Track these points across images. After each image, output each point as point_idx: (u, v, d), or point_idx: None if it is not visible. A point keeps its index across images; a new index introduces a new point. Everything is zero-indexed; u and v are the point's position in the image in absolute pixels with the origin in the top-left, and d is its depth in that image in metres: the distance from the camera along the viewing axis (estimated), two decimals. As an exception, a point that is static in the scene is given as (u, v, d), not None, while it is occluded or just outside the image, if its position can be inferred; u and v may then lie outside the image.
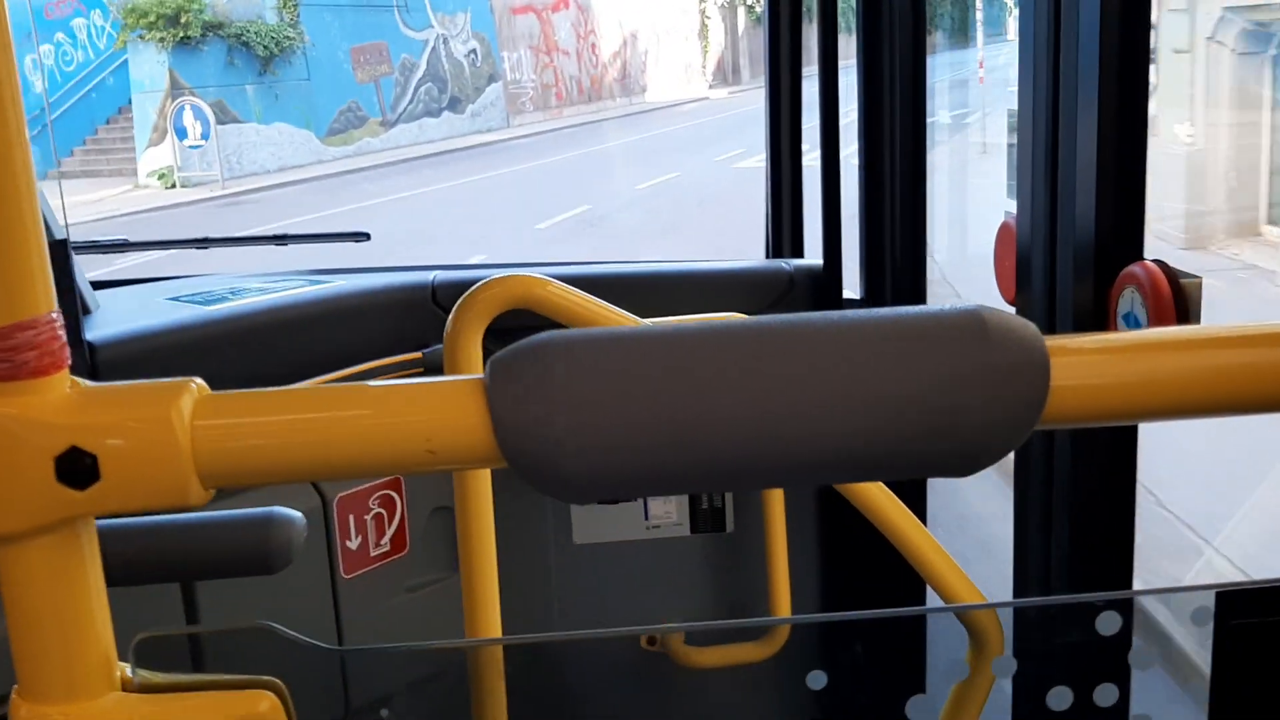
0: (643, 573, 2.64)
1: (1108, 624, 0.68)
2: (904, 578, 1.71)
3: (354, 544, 2.35)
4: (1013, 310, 1.72)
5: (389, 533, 2.40)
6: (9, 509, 0.57)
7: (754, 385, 0.57)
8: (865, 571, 2.61)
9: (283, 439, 0.59)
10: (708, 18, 35.66)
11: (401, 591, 2.44)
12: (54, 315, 0.58)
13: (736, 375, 0.57)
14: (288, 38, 22.24)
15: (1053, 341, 0.59)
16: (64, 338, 0.59)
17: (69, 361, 0.59)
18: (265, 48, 21.60)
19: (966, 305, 0.59)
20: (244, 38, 21.03)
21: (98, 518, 0.60)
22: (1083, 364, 0.60)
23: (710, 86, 34.88)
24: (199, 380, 0.60)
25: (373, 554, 2.38)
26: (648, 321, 1.89)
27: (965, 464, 0.58)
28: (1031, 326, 0.59)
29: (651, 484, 0.59)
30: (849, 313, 0.59)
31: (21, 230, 0.56)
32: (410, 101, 25.29)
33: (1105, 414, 0.61)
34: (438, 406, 0.59)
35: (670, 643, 2.65)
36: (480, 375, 0.59)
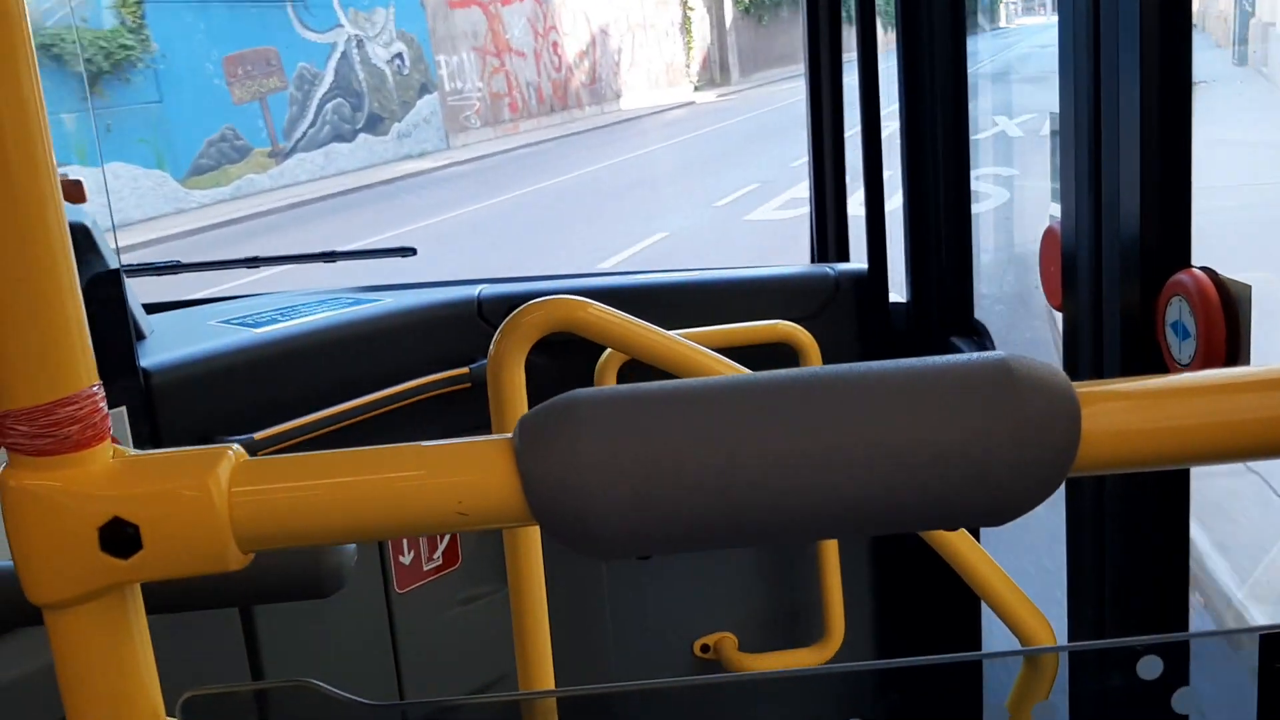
0: (692, 581, 2.64)
1: (1149, 669, 0.68)
2: (959, 589, 1.70)
3: (407, 559, 2.37)
4: (1059, 317, 1.70)
5: (441, 547, 2.43)
6: (56, 579, 0.59)
7: (781, 441, 0.57)
8: (919, 580, 2.59)
9: (316, 503, 0.60)
10: (690, 9, 32.32)
11: (454, 605, 2.46)
12: (94, 389, 0.59)
13: (763, 431, 0.57)
14: (124, 47, 16.25)
15: (1082, 388, 0.59)
16: (104, 409, 0.60)
17: (110, 432, 0.60)
18: (90, 62, 15.59)
19: (994, 355, 0.59)
20: (55, 50, 13.22)
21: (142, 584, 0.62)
22: (1114, 411, 0.59)
23: (696, 89, 31.75)
24: (236, 446, 0.61)
25: (425, 569, 2.41)
26: (687, 332, 1.89)
27: (997, 515, 0.58)
28: (1061, 374, 0.59)
29: (682, 541, 0.59)
30: (875, 365, 0.59)
31: (60, 307, 0.58)
32: (313, 124, 19.58)
33: (1138, 461, 0.60)
34: (468, 468, 0.59)
35: (724, 649, 2.65)
36: (509, 435, 0.59)
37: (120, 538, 0.58)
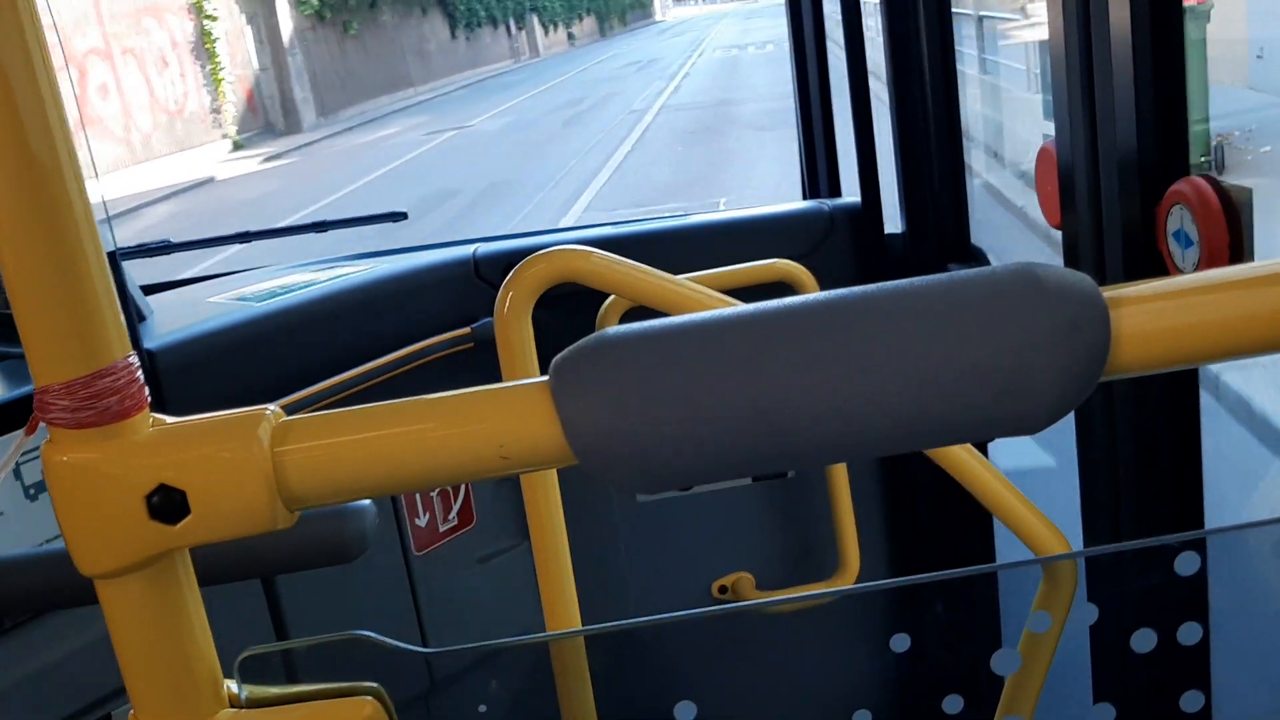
0: (708, 524, 2.66)
1: (1186, 565, 0.69)
2: (970, 509, 1.71)
3: (422, 521, 2.39)
4: (1059, 234, 1.70)
5: (455, 507, 2.44)
6: (107, 549, 0.59)
7: (815, 362, 0.57)
8: (930, 504, 2.61)
9: (360, 457, 0.60)
10: (211, 17, 20.34)
11: (473, 563, 2.48)
12: (130, 358, 0.60)
13: (795, 355, 0.57)
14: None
15: (1110, 292, 0.59)
16: (141, 379, 0.60)
17: (149, 400, 0.61)
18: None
19: (1021, 264, 0.59)
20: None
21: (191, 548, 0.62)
22: (1142, 312, 0.60)
23: (236, 145, 20.50)
24: (274, 407, 0.61)
25: (441, 529, 2.42)
26: (688, 277, 1.89)
27: (1031, 423, 0.59)
28: (1087, 279, 0.59)
29: (721, 469, 0.60)
30: (903, 282, 0.60)
31: (91, 281, 0.58)
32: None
33: (1168, 360, 0.61)
34: (507, 413, 0.60)
35: (741, 589, 2.68)
36: (544, 379, 0.60)
37: (168, 504, 0.58)
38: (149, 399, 0.61)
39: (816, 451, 0.60)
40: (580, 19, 56.98)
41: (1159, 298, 0.61)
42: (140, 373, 0.60)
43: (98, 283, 0.59)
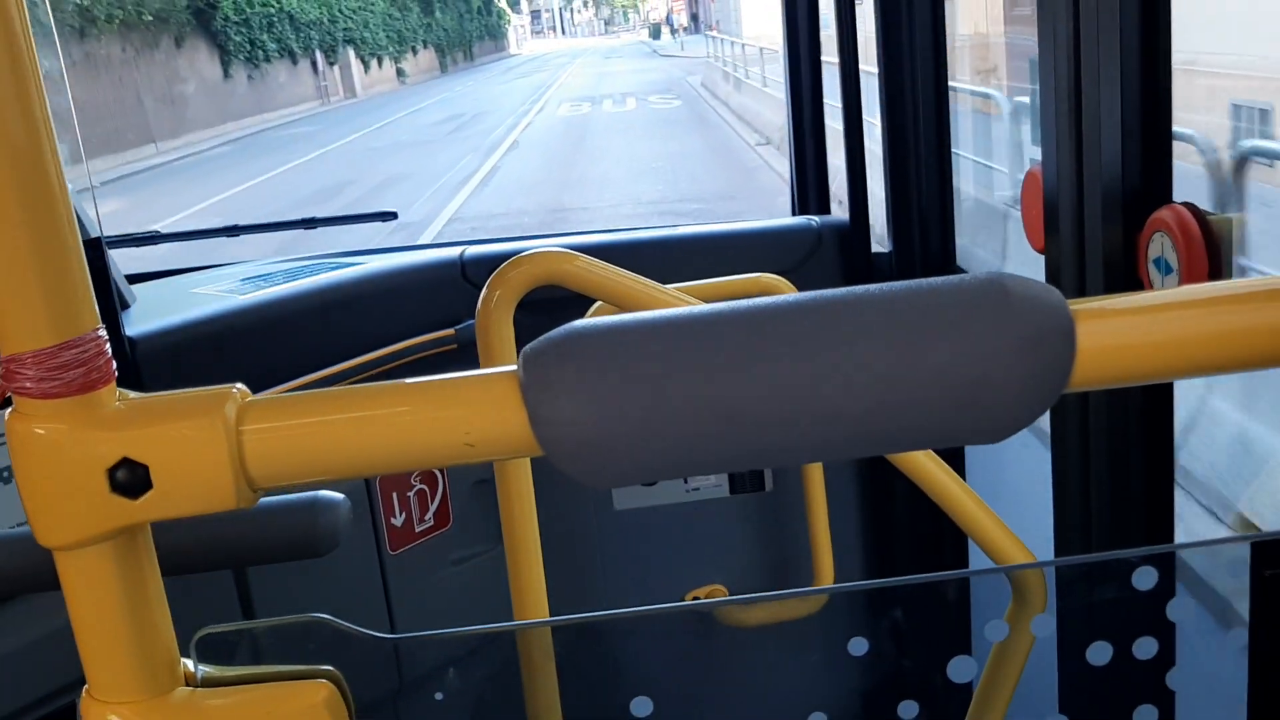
0: (684, 535, 2.66)
1: (1144, 579, 0.69)
2: (944, 528, 1.72)
3: (398, 521, 2.38)
4: (1042, 259, 1.71)
5: (432, 508, 2.44)
6: (67, 521, 0.59)
7: (780, 364, 0.57)
8: (905, 522, 2.62)
9: (325, 439, 0.60)
10: None
11: (447, 565, 2.48)
12: (99, 331, 0.60)
13: (762, 355, 0.58)
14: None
15: (1077, 305, 0.60)
16: (109, 352, 0.60)
17: (115, 374, 0.60)
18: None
19: (989, 274, 0.59)
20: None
21: (152, 523, 0.62)
22: (1108, 326, 0.60)
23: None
24: (241, 385, 0.61)
25: (417, 530, 2.42)
26: (672, 288, 1.90)
27: (995, 432, 0.59)
28: (1055, 291, 0.59)
29: (686, 465, 0.60)
30: (871, 287, 0.60)
31: (62, 250, 0.58)
32: None
33: (1132, 375, 0.61)
34: (473, 400, 0.60)
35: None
36: (513, 367, 0.60)
37: (130, 478, 0.58)
38: (116, 373, 0.61)
39: (780, 451, 0.60)
40: (414, 52, 48.42)
41: (1125, 313, 0.61)
42: (109, 346, 0.60)
43: (70, 254, 0.58)
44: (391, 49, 44.47)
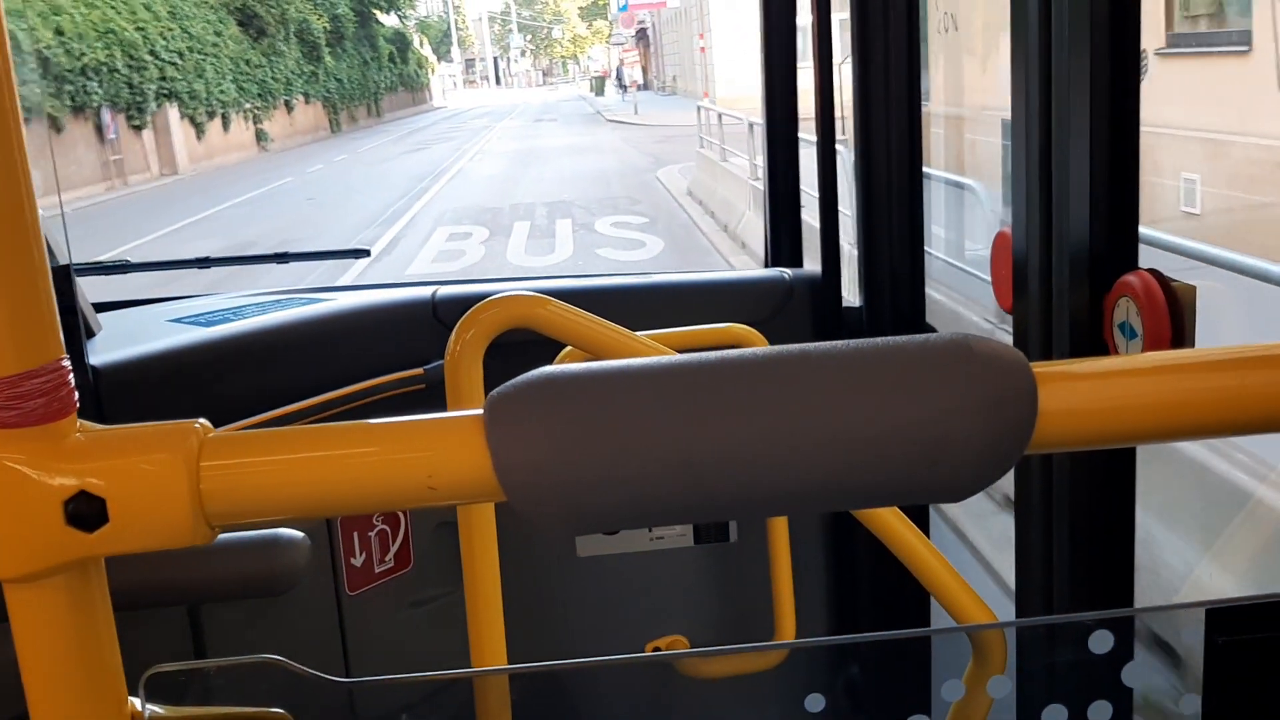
0: (646, 584, 2.65)
1: (1101, 643, 0.69)
2: (907, 582, 1.72)
3: (358, 561, 2.36)
4: (1010, 319, 1.73)
5: (393, 549, 2.41)
6: (20, 552, 0.58)
7: (744, 418, 0.58)
8: (868, 575, 2.61)
9: (286, 478, 0.60)
10: None
11: (406, 607, 2.45)
12: (63, 361, 0.59)
13: (726, 407, 0.58)
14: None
15: (1040, 368, 0.60)
16: (72, 383, 0.60)
17: (76, 406, 0.60)
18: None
19: (954, 334, 0.60)
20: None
21: (106, 558, 0.61)
22: (1070, 390, 0.61)
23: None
24: (203, 421, 0.61)
25: (377, 570, 2.39)
26: (644, 335, 1.90)
27: (956, 491, 0.60)
28: (1018, 354, 0.60)
29: (648, 515, 0.60)
30: (837, 344, 0.60)
31: (30, 278, 0.58)
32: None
33: (1093, 439, 0.62)
34: (437, 443, 0.60)
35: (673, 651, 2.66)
36: (479, 411, 0.60)
37: (86, 511, 0.58)
38: (78, 404, 0.60)
39: (742, 504, 0.60)
40: (288, 106, 37.03)
41: (1087, 377, 0.62)
42: (72, 378, 0.60)
43: (38, 283, 0.58)
44: (249, 104, 33.59)
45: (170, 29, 28.71)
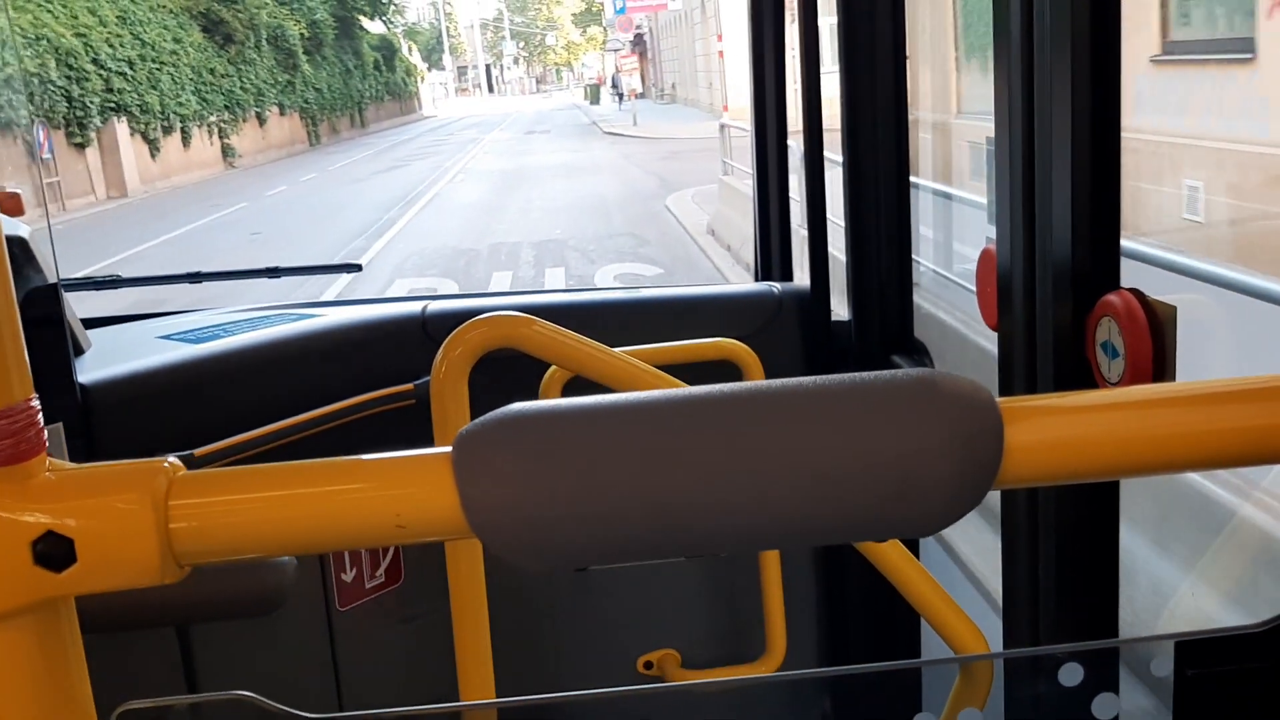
0: (637, 597, 2.65)
1: (1070, 676, 0.70)
2: (898, 601, 1.72)
3: (349, 576, 2.36)
4: (995, 335, 1.74)
5: (384, 564, 2.42)
6: None
7: (713, 455, 0.58)
8: (858, 588, 2.62)
9: (254, 516, 0.60)
10: None
11: (398, 622, 2.45)
12: (31, 401, 0.59)
13: (695, 445, 0.58)
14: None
15: (1006, 404, 0.61)
16: (41, 423, 0.60)
17: (45, 446, 0.60)
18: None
19: (920, 371, 0.61)
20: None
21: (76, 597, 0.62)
22: (1035, 426, 0.61)
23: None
24: (173, 459, 0.61)
25: (368, 586, 2.39)
26: (632, 350, 1.91)
27: (924, 526, 0.60)
28: (984, 390, 0.61)
29: (616, 554, 0.60)
30: (806, 380, 0.61)
31: None
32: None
33: (1059, 474, 0.62)
34: (406, 482, 0.60)
35: (666, 666, 2.66)
36: (447, 449, 0.60)
37: (54, 551, 0.58)
38: (46, 443, 0.60)
39: (710, 540, 0.60)
40: (259, 118, 33.88)
41: (1053, 413, 0.62)
42: (40, 417, 0.60)
43: (2, 322, 0.58)
44: (214, 117, 30.54)
45: (119, 35, 25.93)
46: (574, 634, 2.65)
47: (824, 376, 0.60)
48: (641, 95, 52.50)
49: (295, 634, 2.27)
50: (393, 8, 54.40)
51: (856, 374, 0.61)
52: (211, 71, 31.28)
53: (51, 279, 2.07)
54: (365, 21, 49.73)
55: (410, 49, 68.37)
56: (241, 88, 33.11)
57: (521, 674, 2.52)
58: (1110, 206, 1.47)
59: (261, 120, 34.82)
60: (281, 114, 36.61)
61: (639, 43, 60.63)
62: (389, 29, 55.77)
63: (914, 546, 2.03)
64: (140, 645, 1.94)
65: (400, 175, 26.25)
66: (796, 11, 2.57)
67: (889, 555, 1.63)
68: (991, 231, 1.75)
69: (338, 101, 42.82)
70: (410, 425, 2.29)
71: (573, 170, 24.36)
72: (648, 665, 2.66)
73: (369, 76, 48.14)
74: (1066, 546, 1.52)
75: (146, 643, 1.99)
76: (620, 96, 49.32)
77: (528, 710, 1.03)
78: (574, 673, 2.64)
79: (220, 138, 31.56)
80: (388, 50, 53.02)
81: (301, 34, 38.60)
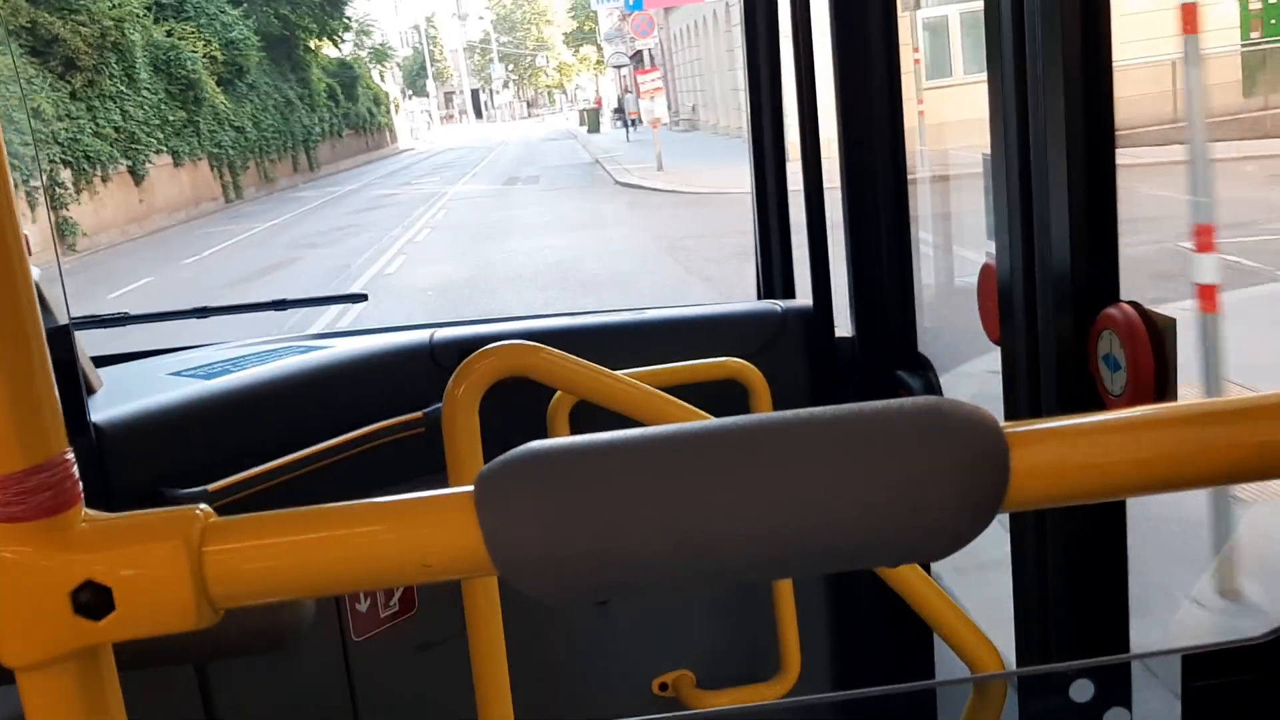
0: (652, 619, 2.66)
1: (1081, 692, 0.71)
2: (911, 618, 1.73)
3: (363, 607, 2.37)
4: (998, 349, 1.75)
5: (398, 593, 2.43)
6: (29, 641, 0.60)
7: (729, 487, 0.60)
8: (872, 604, 2.62)
9: (285, 561, 0.62)
10: None
11: (412, 651, 2.46)
12: (66, 454, 0.61)
13: (711, 479, 0.60)
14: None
15: (1010, 429, 0.62)
16: (76, 474, 0.62)
17: (82, 497, 0.62)
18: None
19: (927, 400, 0.62)
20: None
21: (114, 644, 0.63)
22: (1040, 450, 0.63)
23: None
24: (204, 506, 0.63)
25: (383, 615, 2.41)
26: (638, 372, 1.93)
27: (934, 552, 0.62)
28: (990, 416, 0.62)
29: (638, 586, 0.62)
30: (815, 411, 0.63)
31: (30, 375, 0.60)
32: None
33: (1064, 496, 0.64)
34: (431, 522, 0.62)
35: (681, 687, 2.67)
36: (469, 489, 0.62)
37: (93, 600, 0.60)
38: (82, 494, 0.62)
39: (729, 570, 0.62)
40: (132, 174, 24.17)
41: (1057, 436, 0.64)
42: (76, 469, 0.62)
43: (38, 377, 0.60)
44: (36, 180, 17.14)
45: None
46: (590, 657, 2.65)
47: (835, 407, 0.62)
48: (633, 123, 40.21)
49: (312, 666, 2.28)
50: (344, 25, 45.09)
51: (865, 404, 0.62)
52: (36, 112, 20.80)
53: (63, 320, 2.09)
54: (325, 44, 42.66)
55: (382, 74, 61.39)
56: (96, 132, 23.27)
57: (538, 697, 2.53)
58: (1108, 218, 1.49)
59: (138, 176, 24.79)
60: (177, 164, 26.87)
61: (639, 60, 45.55)
62: (340, 50, 46.89)
63: (928, 564, 2.05)
64: (159, 681, 1.96)
65: (314, 259, 17.53)
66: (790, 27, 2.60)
67: (901, 572, 1.64)
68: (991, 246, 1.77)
69: (272, 141, 33.32)
70: (421, 453, 2.31)
71: (571, 282, 13.26)
72: (663, 687, 2.67)
73: (320, 108, 39.60)
74: (1075, 562, 1.53)
75: (165, 678, 2.00)
76: (628, 124, 40.43)
77: (545, 709, 1.04)
78: (590, 695, 2.65)
79: (53, 208, 20.54)
80: (347, 77, 45.43)
81: (213, 57, 29.42)
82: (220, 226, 24.35)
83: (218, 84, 29.84)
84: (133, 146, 24.84)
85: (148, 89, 25.96)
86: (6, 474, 0.59)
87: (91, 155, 23.10)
